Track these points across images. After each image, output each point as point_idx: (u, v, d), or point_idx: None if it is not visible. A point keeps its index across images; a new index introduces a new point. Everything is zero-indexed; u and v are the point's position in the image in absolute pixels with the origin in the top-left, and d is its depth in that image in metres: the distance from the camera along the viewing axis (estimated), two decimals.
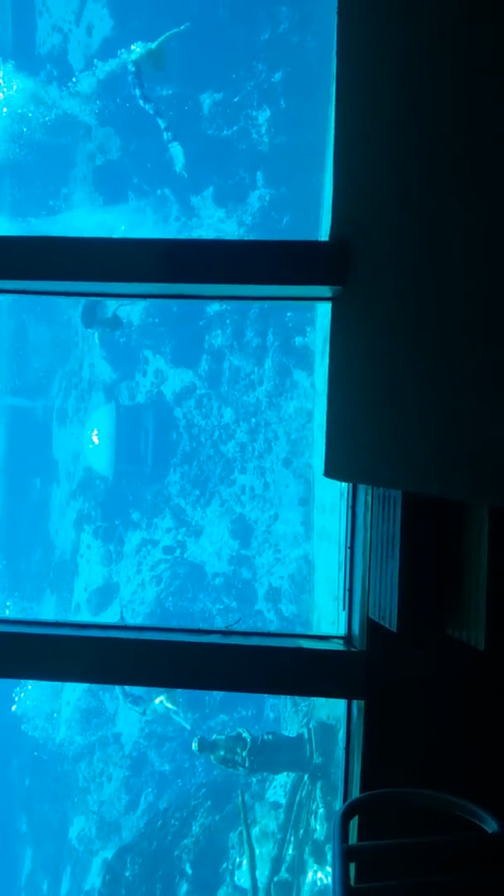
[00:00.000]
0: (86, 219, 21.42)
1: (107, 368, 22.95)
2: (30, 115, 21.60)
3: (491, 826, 2.35)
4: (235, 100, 19.50)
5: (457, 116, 2.42)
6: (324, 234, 3.67)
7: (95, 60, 20.87)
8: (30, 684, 23.43)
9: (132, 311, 21.32)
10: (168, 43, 18.03)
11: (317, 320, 18.44)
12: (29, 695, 23.81)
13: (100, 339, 21.59)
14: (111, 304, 20.50)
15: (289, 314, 19.35)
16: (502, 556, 2.86)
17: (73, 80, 21.31)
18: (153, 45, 18.01)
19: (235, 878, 15.34)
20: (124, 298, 4.37)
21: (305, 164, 18.07)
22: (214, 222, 20.19)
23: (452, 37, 2.46)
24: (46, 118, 21.72)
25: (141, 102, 18.74)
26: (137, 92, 18.64)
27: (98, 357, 23.08)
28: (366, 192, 3.30)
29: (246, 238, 18.78)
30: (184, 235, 19.95)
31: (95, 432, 22.18)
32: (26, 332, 25.29)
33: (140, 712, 18.85)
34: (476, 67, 2.29)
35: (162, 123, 19.05)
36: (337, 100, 3.60)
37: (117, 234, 19.93)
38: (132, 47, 18.37)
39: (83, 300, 19.45)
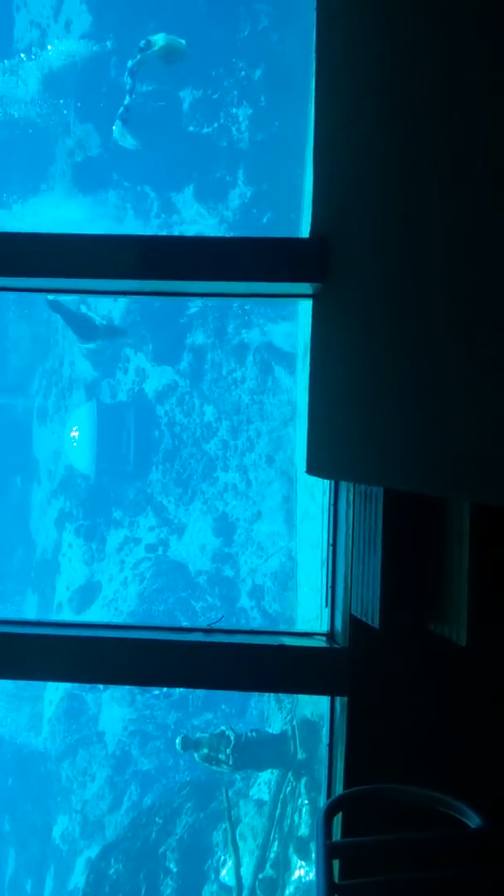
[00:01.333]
0: (43, 213, 21.15)
1: (87, 366, 22.82)
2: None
3: (474, 821, 2.36)
4: (215, 97, 19.44)
5: (438, 112, 2.42)
6: (304, 232, 3.67)
7: (74, 55, 20.71)
8: None
9: (113, 309, 21.20)
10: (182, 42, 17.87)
11: (298, 317, 18.45)
12: None
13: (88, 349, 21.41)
14: (102, 313, 20.36)
15: (270, 311, 19.35)
16: (484, 551, 2.87)
17: (49, 74, 21.11)
18: (181, 41, 17.84)
19: (220, 876, 15.34)
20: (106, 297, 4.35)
21: (286, 161, 18.05)
22: (195, 219, 20.13)
23: (432, 31, 2.46)
24: (20, 113, 21.52)
25: (126, 76, 18.44)
26: (130, 63, 18.34)
27: (78, 355, 22.94)
28: (346, 189, 3.30)
29: (226, 235, 18.73)
30: (164, 232, 19.87)
31: (76, 430, 22.04)
32: (6, 330, 25.07)
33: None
34: (457, 62, 2.29)
35: (127, 100, 18.71)
36: (316, 96, 3.59)
37: (73, 228, 19.66)
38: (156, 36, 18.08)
39: (62, 311, 19.38)
